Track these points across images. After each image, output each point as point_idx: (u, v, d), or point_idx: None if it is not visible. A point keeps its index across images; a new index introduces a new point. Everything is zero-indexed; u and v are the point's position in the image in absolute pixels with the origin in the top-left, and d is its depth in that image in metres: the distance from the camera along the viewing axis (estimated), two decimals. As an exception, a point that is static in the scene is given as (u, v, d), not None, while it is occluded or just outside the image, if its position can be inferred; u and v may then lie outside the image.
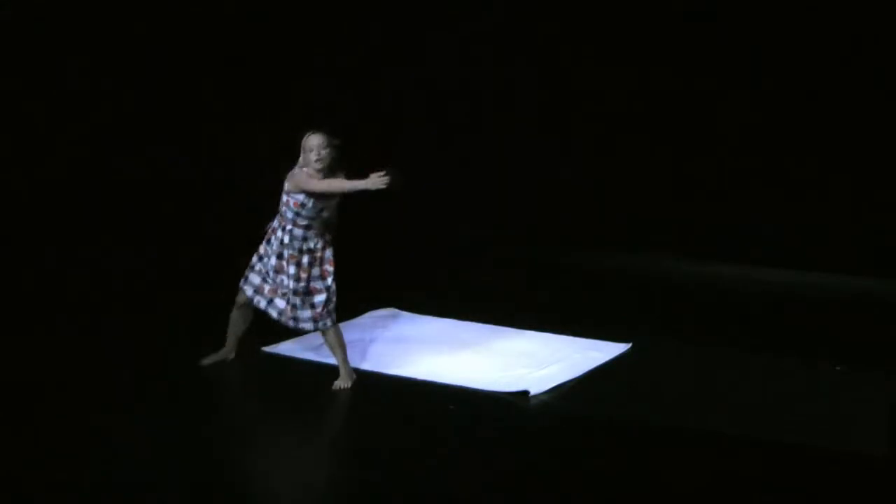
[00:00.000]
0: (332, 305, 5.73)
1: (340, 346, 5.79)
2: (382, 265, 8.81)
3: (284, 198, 5.58)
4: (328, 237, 5.72)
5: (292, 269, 5.61)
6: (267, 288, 5.73)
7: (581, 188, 9.34)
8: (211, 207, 8.54)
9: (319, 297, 5.67)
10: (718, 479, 4.59)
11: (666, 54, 9.01)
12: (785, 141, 8.82)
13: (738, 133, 8.93)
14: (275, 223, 5.70)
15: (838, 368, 6.15)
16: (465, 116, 9.71)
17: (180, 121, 8.53)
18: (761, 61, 8.75)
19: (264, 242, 5.74)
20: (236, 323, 6.01)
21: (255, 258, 5.79)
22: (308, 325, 5.72)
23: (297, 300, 5.64)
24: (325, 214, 5.60)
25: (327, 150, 5.51)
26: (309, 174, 5.52)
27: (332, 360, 6.21)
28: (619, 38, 9.21)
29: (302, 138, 5.58)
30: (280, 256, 5.64)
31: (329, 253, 5.71)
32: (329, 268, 5.70)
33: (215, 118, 8.66)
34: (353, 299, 7.31)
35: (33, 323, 6.80)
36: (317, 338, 6.63)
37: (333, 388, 5.69)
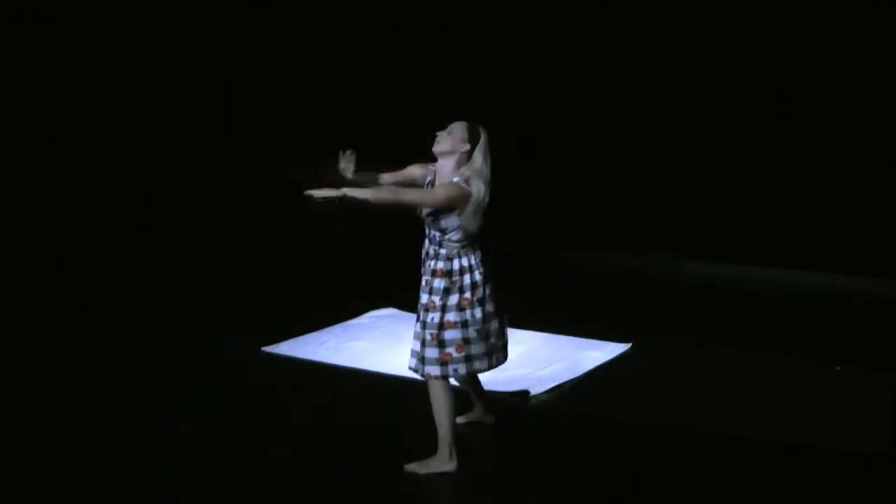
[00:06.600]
0: (469, 349, 4.46)
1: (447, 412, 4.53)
2: (382, 265, 8.79)
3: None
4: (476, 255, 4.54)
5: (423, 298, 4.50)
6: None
7: (581, 188, 9.32)
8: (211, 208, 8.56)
9: (452, 333, 4.46)
10: (718, 478, 4.59)
11: (665, 54, 9.01)
12: (785, 141, 8.81)
13: (739, 133, 8.92)
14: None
15: (838, 368, 6.14)
16: (465, 116, 9.68)
17: (181, 121, 8.54)
18: (760, 61, 8.74)
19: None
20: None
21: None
22: (434, 370, 4.45)
23: (426, 334, 4.46)
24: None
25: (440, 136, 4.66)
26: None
27: (332, 360, 6.20)
28: (618, 39, 9.20)
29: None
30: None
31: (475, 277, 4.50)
32: (469, 295, 4.45)
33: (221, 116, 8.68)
34: (353, 299, 7.33)
35: (36, 322, 6.81)
36: (316, 338, 6.64)
37: (409, 469, 4.55)
